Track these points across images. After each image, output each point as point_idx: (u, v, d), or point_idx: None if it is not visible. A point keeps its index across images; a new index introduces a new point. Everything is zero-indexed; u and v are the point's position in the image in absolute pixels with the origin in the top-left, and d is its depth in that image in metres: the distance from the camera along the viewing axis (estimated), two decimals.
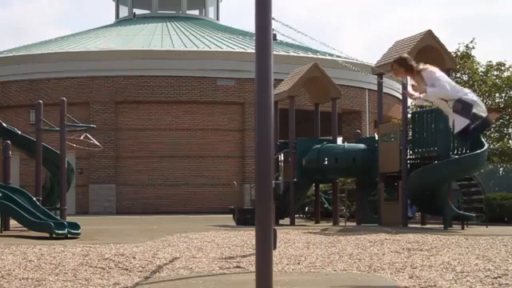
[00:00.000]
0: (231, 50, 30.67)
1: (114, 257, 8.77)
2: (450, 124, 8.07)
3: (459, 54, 28.31)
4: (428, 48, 16.99)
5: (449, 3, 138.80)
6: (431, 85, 7.71)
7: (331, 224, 18.40)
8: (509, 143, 28.33)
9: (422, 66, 7.84)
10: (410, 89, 8.06)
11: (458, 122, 7.89)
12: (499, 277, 6.92)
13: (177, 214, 25.24)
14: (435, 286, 6.55)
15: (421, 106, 18.31)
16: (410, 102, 19.34)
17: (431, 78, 7.73)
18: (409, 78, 8.04)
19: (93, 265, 8.12)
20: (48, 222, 12.83)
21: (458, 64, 25.09)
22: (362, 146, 18.77)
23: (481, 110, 7.92)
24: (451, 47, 30.55)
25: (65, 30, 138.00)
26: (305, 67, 20.35)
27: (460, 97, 7.78)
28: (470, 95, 7.93)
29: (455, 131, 8.02)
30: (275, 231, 10.02)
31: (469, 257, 8.67)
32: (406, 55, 8.19)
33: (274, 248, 9.56)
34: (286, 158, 20.60)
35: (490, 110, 8.11)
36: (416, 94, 7.93)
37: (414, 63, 7.85)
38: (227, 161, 29.22)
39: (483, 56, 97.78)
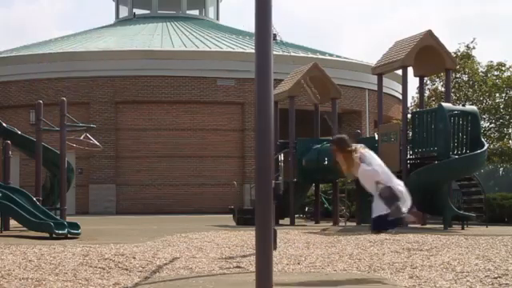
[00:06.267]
0: (231, 50, 30.67)
1: (114, 257, 8.76)
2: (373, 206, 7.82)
3: (459, 54, 28.31)
4: (428, 48, 17.00)
5: (449, 3, 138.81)
6: (369, 163, 7.64)
7: (331, 224, 18.39)
8: (509, 143, 28.34)
9: (354, 148, 7.73)
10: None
11: (378, 208, 7.68)
12: (499, 277, 6.92)
13: (177, 214, 25.25)
14: (435, 285, 6.55)
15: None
16: (409, 102, 19.19)
17: (366, 158, 7.67)
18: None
19: (93, 265, 8.11)
20: (48, 222, 12.82)
21: (458, 64, 25.09)
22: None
23: (404, 205, 7.62)
24: (451, 47, 30.57)
25: (65, 31, 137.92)
26: (305, 67, 20.35)
27: (391, 186, 7.62)
28: (400, 187, 7.70)
29: (372, 215, 7.78)
30: (275, 231, 10.03)
31: (469, 257, 8.67)
32: (342, 136, 8.07)
33: (275, 248, 9.59)
34: (286, 157, 20.58)
35: (412, 212, 7.73)
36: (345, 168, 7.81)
37: (348, 144, 7.73)
38: (227, 161, 29.21)
39: (483, 56, 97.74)
